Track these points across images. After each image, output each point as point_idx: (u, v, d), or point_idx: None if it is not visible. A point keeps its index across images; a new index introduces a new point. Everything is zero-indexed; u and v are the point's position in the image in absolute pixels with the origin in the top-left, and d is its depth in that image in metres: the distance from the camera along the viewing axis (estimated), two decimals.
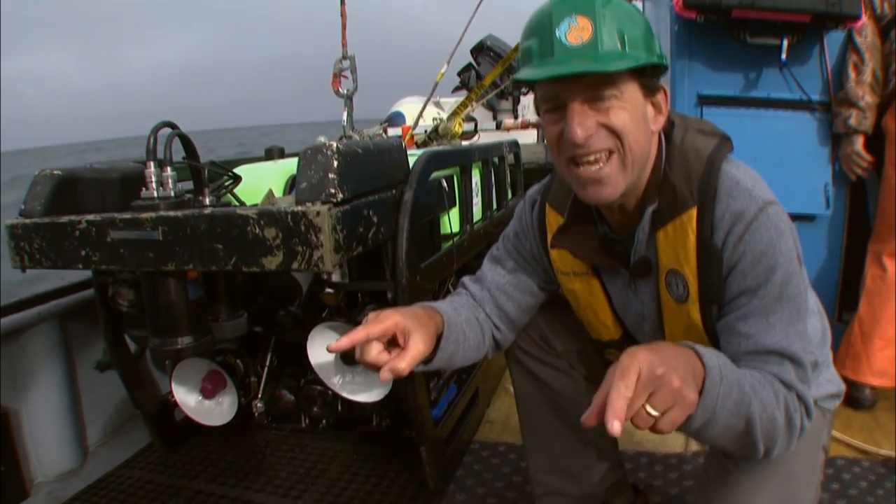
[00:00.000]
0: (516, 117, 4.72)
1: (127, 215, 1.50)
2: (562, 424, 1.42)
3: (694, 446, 1.99)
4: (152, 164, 1.57)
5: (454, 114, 3.11)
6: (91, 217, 1.53)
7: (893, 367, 2.14)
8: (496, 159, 2.52)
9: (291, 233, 1.37)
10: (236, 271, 1.52)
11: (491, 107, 5.15)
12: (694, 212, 1.06)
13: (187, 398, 1.99)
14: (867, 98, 2.15)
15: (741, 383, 0.91)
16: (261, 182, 1.95)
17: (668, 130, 1.13)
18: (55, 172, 1.69)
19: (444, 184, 2.02)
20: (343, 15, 2.77)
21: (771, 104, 2.31)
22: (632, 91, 1.01)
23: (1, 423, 1.98)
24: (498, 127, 4.20)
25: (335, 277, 1.76)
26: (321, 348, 1.70)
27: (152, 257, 1.49)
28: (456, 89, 5.60)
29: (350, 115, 2.83)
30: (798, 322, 1.02)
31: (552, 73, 0.98)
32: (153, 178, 1.57)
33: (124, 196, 1.72)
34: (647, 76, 1.03)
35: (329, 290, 1.80)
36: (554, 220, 1.26)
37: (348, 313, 1.86)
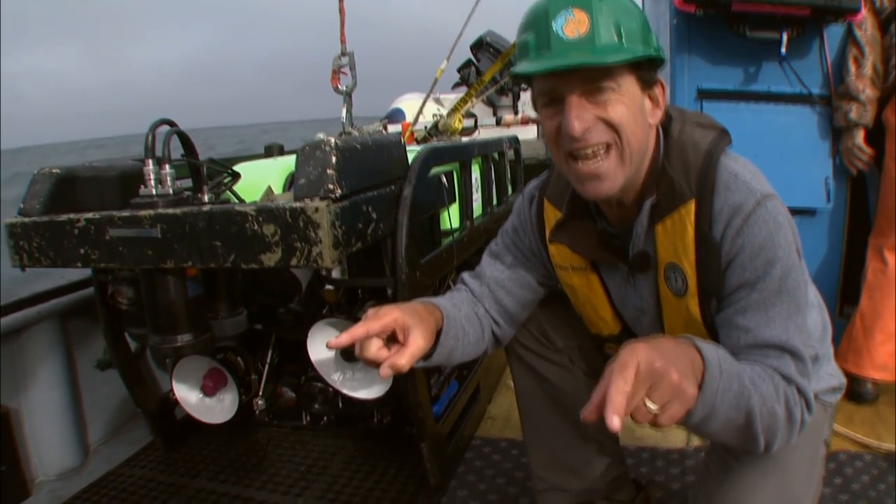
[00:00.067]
0: (516, 113, 4.71)
1: (125, 213, 1.50)
2: (562, 420, 1.42)
3: (695, 441, 1.99)
4: (150, 161, 1.57)
5: (454, 110, 3.10)
6: (90, 215, 1.53)
7: (894, 361, 2.14)
8: (496, 155, 2.52)
9: (290, 229, 1.37)
10: (235, 268, 1.52)
11: (491, 103, 5.14)
12: (692, 205, 1.05)
13: (188, 396, 1.99)
14: (867, 92, 2.14)
15: (741, 377, 0.91)
16: (260, 179, 1.95)
17: (665, 124, 1.12)
18: (54, 171, 1.69)
19: (444, 180, 2.02)
20: (342, 11, 2.76)
21: (771, 98, 2.31)
22: (629, 84, 1.01)
23: (1, 422, 1.98)
24: (498, 123, 4.20)
25: (335, 274, 1.76)
26: (321, 345, 1.70)
27: (151, 255, 1.49)
28: (456, 85, 5.59)
29: (349, 111, 2.82)
30: (797, 315, 1.02)
31: (549, 66, 0.98)
32: (151, 176, 1.57)
33: (123, 194, 1.72)
34: (645, 69, 1.03)
35: (329, 286, 1.80)
36: (552, 215, 1.26)
37: (348, 310, 1.86)
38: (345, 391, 1.80)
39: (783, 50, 2.16)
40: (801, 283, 1.03)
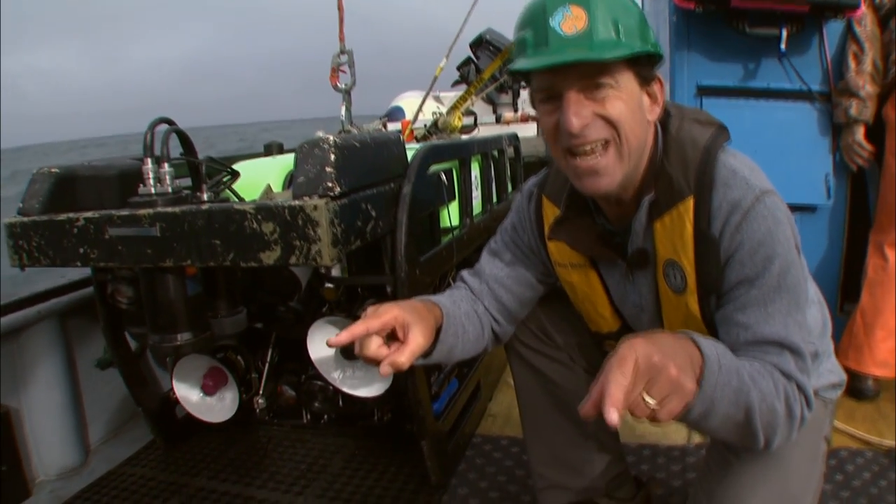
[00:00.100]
0: (516, 111, 4.70)
1: (124, 212, 1.50)
2: (562, 417, 1.42)
3: (697, 438, 1.99)
4: (149, 160, 1.57)
5: (453, 108, 3.10)
6: (89, 214, 1.53)
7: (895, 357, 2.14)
8: (496, 152, 2.52)
9: (289, 227, 1.36)
10: (234, 267, 1.52)
11: (490, 101, 5.13)
12: (691, 202, 1.05)
13: (189, 395, 1.99)
14: (867, 88, 2.14)
15: (740, 373, 0.91)
16: (260, 178, 1.95)
17: (664, 121, 1.12)
18: (53, 171, 1.69)
19: (444, 177, 2.02)
20: (340, 9, 2.76)
21: (771, 94, 2.30)
22: (627, 80, 1.00)
23: (2, 421, 1.98)
24: (498, 121, 4.19)
25: (335, 272, 1.76)
26: (321, 343, 1.70)
27: (150, 254, 1.49)
28: (455, 83, 5.57)
29: (348, 109, 2.82)
30: (797, 312, 1.02)
31: (547, 63, 0.98)
32: (150, 175, 1.57)
33: (122, 193, 1.72)
34: (643, 66, 1.02)
35: (328, 284, 1.80)
36: (551, 213, 1.26)
37: (348, 308, 1.86)
38: (345, 389, 1.80)
39: (783, 46, 2.16)
40: (800, 280, 1.03)
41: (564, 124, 1.00)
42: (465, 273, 1.39)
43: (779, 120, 2.30)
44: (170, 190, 1.58)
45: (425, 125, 3.04)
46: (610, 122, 1.00)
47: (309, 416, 2.27)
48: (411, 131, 3.05)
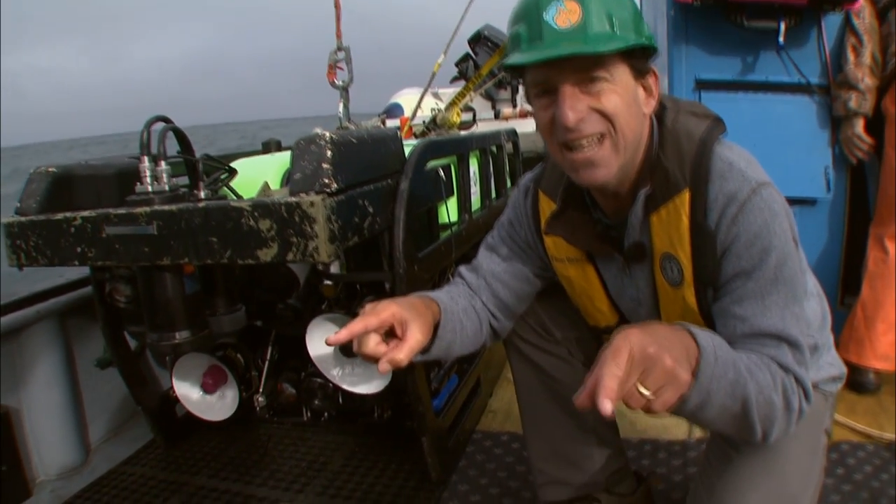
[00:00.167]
0: (515, 106, 4.69)
1: (121, 211, 1.49)
2: (562, 412, 1.42)
3: (697, 433, 1.98)
4: (146, 158, 1.56)
5: (452, 104, 3.09)
6: (86, 213, 1.53)
7: None
8: (494, 148, 2.51)
9: (286, 224, 1.36)
10: (232, 264, 1.52)
11: (489, 96, 5.12)
12: (686, 195, 1.05)
13: (188, 394, 1.99)
14: (867, 80, 2.13)
15: (736, 365, 0.90)
16: (257, 175, 1.95)
17: (660, 114, 1.12)
18: (50, 170, 1.69)
19: (442, 173, 2.01)
20: (337, 6, 2.75)
21: (769, 88, 2.30)
22: (622, 74, 1.00)
23: (2, 421, 1.98)
24: (496, 116, 4.18)
25: (333, 269, 1.75)
26: (320, 341, 1.69)
27: (147, 252, 1.48)
28: (454, 80, 5.56)
29: (346, 106, 2.81)
30: (794, 304, 1.01)
31: (542, 57, 0.97)
32: (147, 173, 1.57)
33: (120, 192, 1.72)
34: (637, 58, 1.02)
35: (327, 281, 1.79)
36: (547, 207, 1.25)
37: (347, 305, 1.86)
38: (344, 386, 1.80)
39: (781, 39, 2.15)
40: (797, 272, 1.03)
41: (560, 118, 0.99)
42: (462, 268, 1.39)
43: (778, 113, 2.30)
44: (167, 188, 1.58)
45: (424, 122, 3.03)
46: (605, 116, 1.00)
47: (309, 414, 2.27)
48: (410, 128, 3.05)
